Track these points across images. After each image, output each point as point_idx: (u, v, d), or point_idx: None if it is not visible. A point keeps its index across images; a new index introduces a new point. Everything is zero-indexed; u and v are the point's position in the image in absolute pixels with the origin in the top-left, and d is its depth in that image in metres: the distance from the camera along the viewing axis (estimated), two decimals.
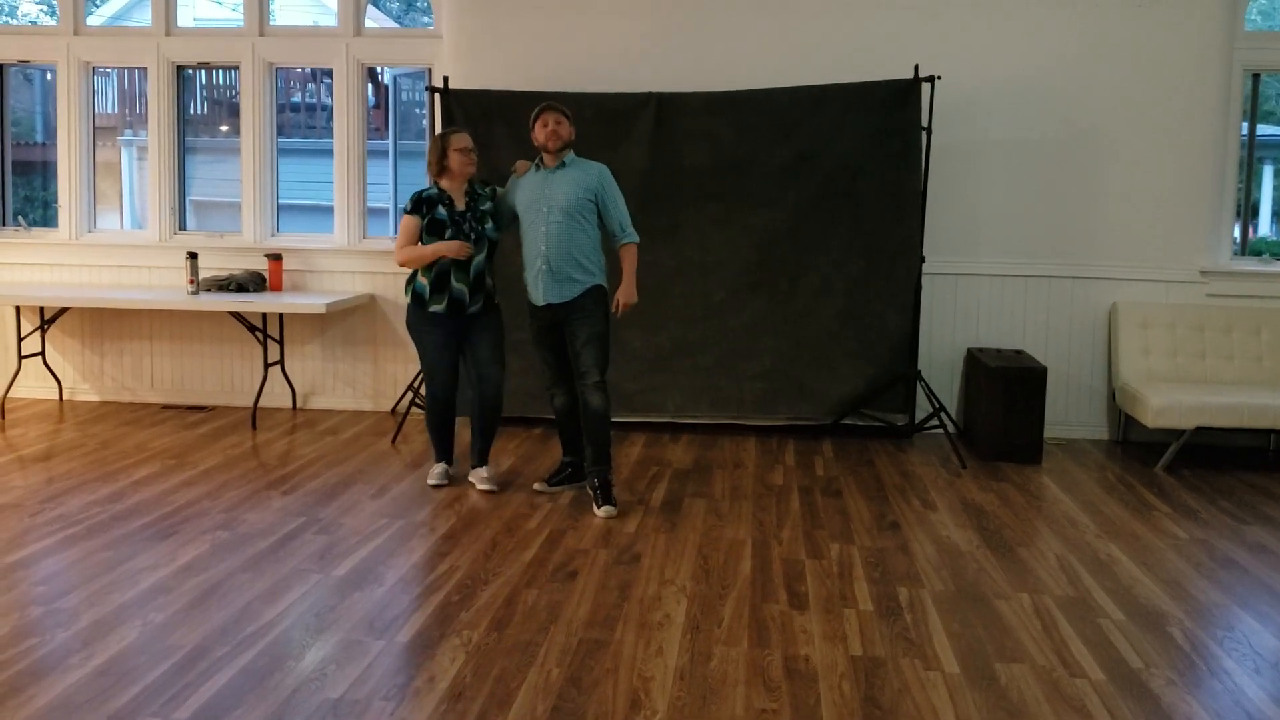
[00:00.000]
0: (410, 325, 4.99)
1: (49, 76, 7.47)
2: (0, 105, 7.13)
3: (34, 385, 6.93)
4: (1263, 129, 8.67)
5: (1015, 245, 6.31)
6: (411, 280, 4.94)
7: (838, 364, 6.18)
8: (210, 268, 6.71)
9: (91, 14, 7.62)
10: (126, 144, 9.25)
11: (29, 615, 3.50)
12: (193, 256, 6.40)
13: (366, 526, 4.48)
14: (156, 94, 6.86)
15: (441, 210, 4.85)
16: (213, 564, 4.00)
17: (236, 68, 6.87)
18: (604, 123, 5.99)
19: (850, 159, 6.05)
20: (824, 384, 6.20)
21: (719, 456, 5.78)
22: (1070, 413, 6.38)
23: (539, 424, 6.32)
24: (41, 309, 6.73)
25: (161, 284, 6.87)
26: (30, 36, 7.08)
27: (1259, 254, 6.69)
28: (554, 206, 4.73)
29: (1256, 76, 6.38)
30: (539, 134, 4.78)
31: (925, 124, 5.92)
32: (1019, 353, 6.14)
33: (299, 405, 6.84)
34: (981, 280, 6.37)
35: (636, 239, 4.86)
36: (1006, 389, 5.71)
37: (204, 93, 9.99)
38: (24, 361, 6.71)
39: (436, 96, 6.24)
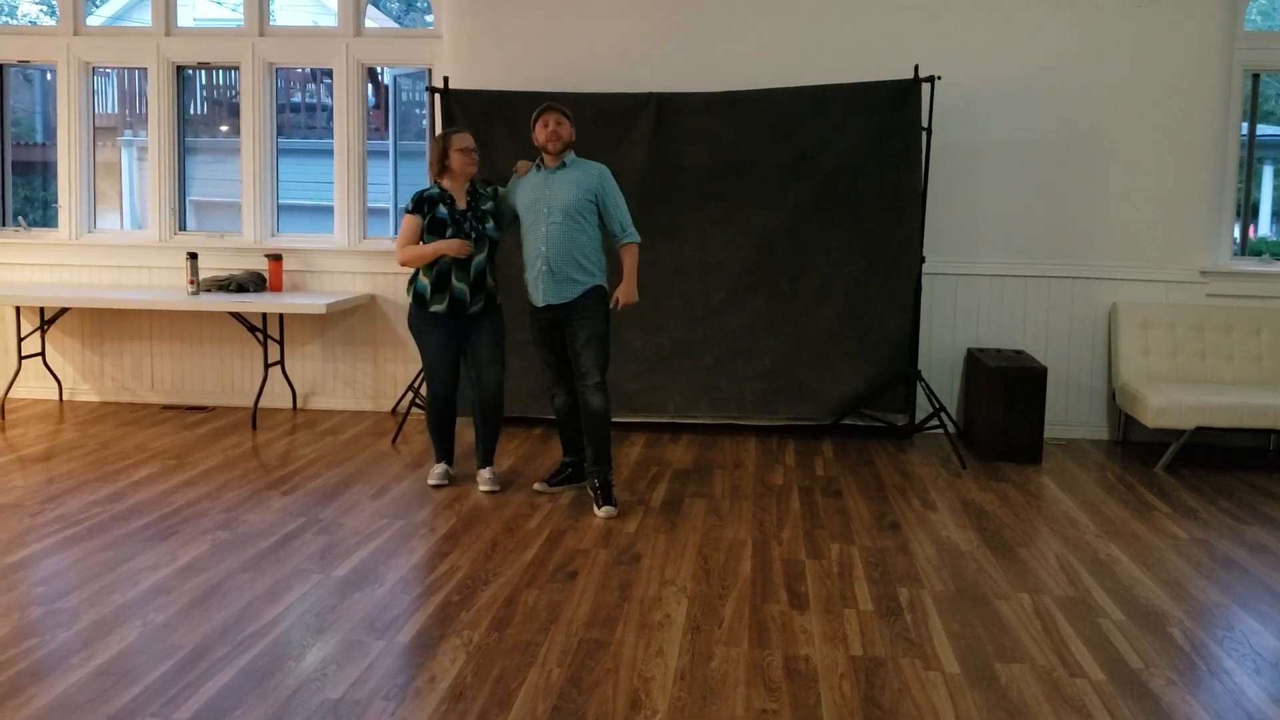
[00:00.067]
0: (411, 325, 5.00)
1: (49, 76, 7.47)
2: (0, 105, 7.13)
3: (34, 385, 6.93)
4: (1263, 129, 8.68)
5: (1015, 245, 6.31)
6: (413, 280, 4.94)
7: (838, 364, 6.18)
8: (210, 268, 6.72)
9: (91, 14, 7.62)
10: (126, 144, 9.26)
11: (29, 615, 3.50)
12: (193, 257, 6.40)
13: (367, 527, 4.49)
14: (156, 94, 6.86)
15: (442, 209, 4.86)
16: (213, 564, 4.00)
17: (236, 68, 6.87)
18: (604, 123, 5.99)
19: (850, 159, 6.05)
20: (824, 384, 6.20)
21: (719, 457, 5.79)
22: (1070, 413, 6.38)
23: (539, 424, 6.32)
24: (41, 309, 6.73)
25: (161, 284, 6.87)
26: (30, 36, 7.08)
27: (1259, 254, 6.70)
28: (554, 207, 4.73)
29: (1256, 76, 6.38)
30: (539, 134, 4.78)
31: (925, 124, 5.92)
32: (1019, 353, 6.14)
33: (299, 405, 6.84)
34: (981, 280, 6.37)
35: (638, 239, 4.85)
36: (1006, 389, 5.72)
37: (204, 93, 10.00)
38: (24, 362, 6.71)
39: (436, 97, 6.24)
